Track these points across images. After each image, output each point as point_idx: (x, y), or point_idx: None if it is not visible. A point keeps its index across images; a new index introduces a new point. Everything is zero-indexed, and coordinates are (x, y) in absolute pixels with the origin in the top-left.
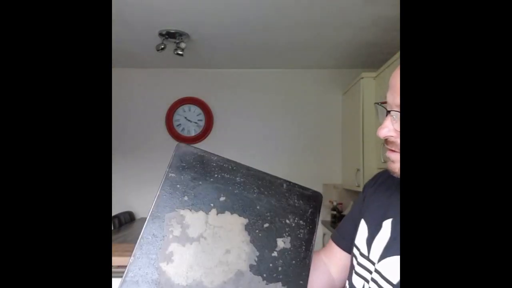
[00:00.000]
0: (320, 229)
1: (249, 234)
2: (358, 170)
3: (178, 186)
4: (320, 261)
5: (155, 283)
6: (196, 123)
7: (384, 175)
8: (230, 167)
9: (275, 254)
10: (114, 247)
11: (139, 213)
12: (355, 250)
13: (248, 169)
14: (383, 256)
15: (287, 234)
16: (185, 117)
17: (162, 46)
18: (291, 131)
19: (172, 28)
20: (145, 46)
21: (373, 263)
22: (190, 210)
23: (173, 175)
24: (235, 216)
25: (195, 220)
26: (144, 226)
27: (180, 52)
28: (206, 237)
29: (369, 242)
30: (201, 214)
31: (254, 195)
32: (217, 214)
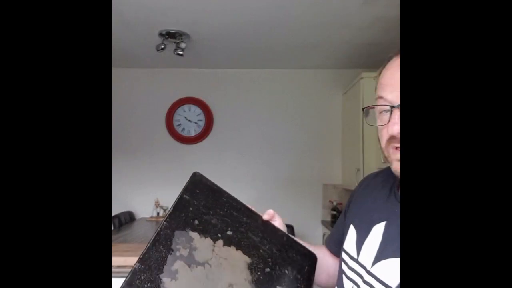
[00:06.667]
0: (320, 229)
1: (251, 274)
2: (358, 170)
3: (191, 208)
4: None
5: None
6: (196, 123)
7: (368, 178)
8: (238, 207)
9: None
10: (114, 247)
11: (139, 213)
12: (344, 255)
13: (251, 211)
14: (377, 259)
15: (285, 284)
16: (185, 117)
17: (162, 46)
18: (291, 131)
19: (172, 28)
20: (145, 46)
21: (364, 267)
22: (199, 234)
23: (187, 197)
24: (240, 252)
25: (202, 245)
26: (153, 237)
27: (180, 52)
28: (211, 265)
29: (359, 245)
30: (208, 240)
31: (258, 239)
32: (223, 245)
